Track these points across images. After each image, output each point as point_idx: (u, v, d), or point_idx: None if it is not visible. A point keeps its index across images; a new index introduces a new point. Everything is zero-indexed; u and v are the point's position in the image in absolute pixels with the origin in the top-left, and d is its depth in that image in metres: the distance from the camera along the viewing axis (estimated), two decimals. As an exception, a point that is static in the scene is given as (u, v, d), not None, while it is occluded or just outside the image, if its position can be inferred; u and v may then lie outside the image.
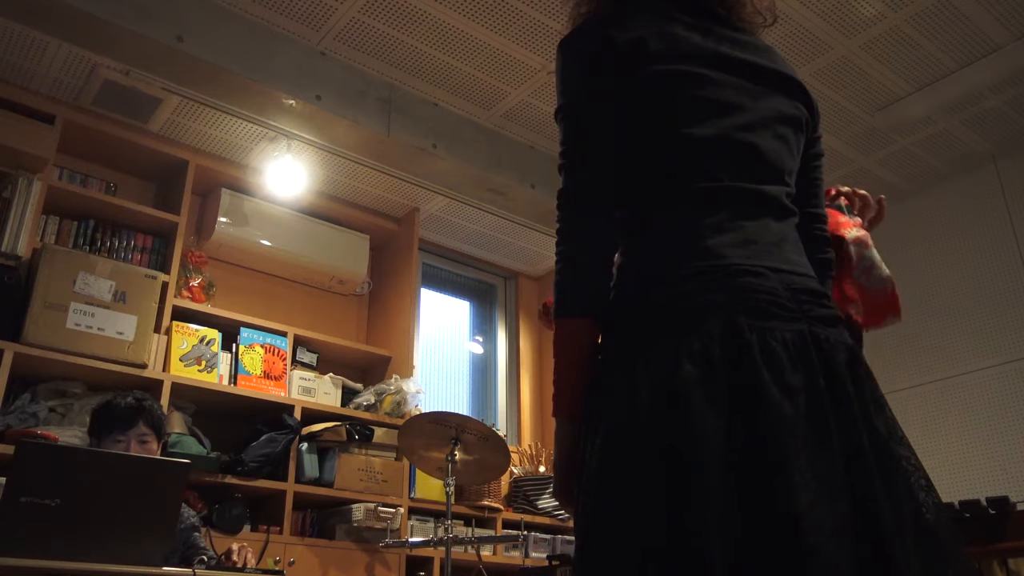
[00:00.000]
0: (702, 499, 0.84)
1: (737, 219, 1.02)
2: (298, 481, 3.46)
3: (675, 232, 1.03)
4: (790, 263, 1.03)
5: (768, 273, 0.99)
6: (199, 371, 3.45)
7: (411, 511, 3.76)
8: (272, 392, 3.63)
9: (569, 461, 1.04)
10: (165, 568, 1.73)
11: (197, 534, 2.38)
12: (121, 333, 3.18)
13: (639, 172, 1.08)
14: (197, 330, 3.53)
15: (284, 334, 3.82)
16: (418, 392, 3.97)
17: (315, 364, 3.96)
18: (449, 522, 2.92)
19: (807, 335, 0.96)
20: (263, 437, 3.39)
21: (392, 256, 4.44)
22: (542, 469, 4.29)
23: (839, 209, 1.37)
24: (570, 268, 1.06)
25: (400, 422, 3.46)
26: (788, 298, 0.98)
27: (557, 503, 1.10)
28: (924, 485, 0.96)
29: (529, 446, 4.44)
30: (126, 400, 2.34)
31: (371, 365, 4.24)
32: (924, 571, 0.89)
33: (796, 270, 1.03)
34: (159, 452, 2.39)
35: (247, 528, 3.25)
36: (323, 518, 3.61)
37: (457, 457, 2.99)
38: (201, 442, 3.28)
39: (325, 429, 3.59)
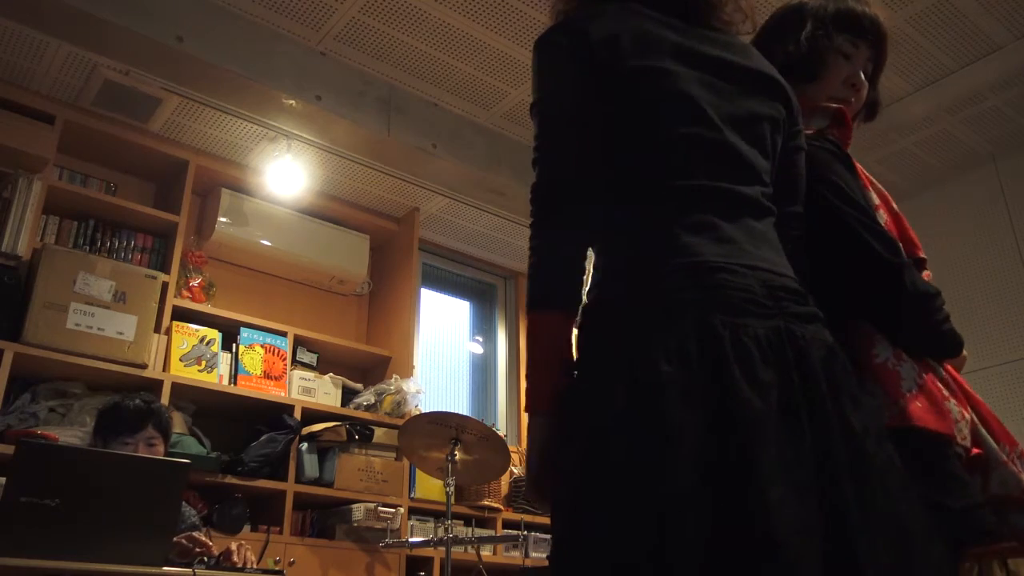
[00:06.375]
0: (677, 498, 0.84)
1: (714, 218, 1.02)
2: (298, 481, 3.46)
3: (651, 230, 1.03)
4: (767, 262, 1.02)
5: (745, 271, 0.98)
6: (199, 371, 3.45)
7: (411, 511, 3.76)
8: (272, 392, 3.63)
9: (542, 457, 1.04)
10: (165, 568, 1.73)
11: (197, 533, 2.37)
12: (121, 333, 3.18)
13: (615, 169, 1.08)
14: (197, 330, 3.53)
15: (284, 334, 3.82)
16: (418, 392, 3.96)
17: (315, 364, 3.96)
18: (449, 522, 2.92)
19: (783, 331, 0.95)
20: (263, 437, 3.39)
21: (392, 256, 4.44)
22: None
23: None
24: (544, 263, 1.06)
25: (400, 422, 3.46)
26: (764, 295, 0.97)
27: (529, 500, 1.11)
28: (901, 484, 0.95)
29: (529, 446, 4.44)
30: (134, 403, 2.33)
31: (371, 365, 4.24)
32: (896, 571, 0.88)
33: (774, 269, 1.02)
34: (165, 454, 2.39)
35: (247, 528, 3.25)
36: (323, 518, 3.61)
37: (457, 457, 2.99)
38: (201, 442, 3.28)
39: (325, 429, 3.59)
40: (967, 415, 1.20)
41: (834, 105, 1.35)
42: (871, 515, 0.89)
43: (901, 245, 1.32)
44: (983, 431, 1.22)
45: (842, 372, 0.99)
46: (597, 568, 0.86)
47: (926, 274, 1.34)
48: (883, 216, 1.31)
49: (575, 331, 1.06)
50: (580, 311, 1.05)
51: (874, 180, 1.41)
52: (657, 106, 1.07)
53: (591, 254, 1.09)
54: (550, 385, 1.03)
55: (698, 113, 1.06)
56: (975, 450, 1.20)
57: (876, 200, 1.34)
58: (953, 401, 1.20)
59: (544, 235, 1.06)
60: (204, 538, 2.08)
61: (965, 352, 1.31)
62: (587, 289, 1.07)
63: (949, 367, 1.28)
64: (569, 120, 1.09)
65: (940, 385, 1.21)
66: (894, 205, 1.39)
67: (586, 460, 0.92)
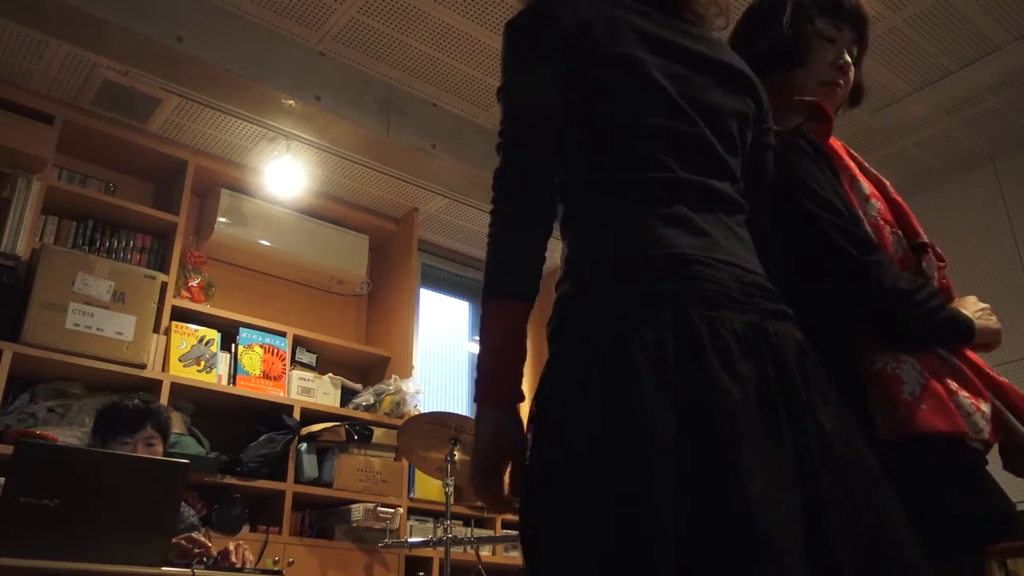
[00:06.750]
0: (656, 492, 0.83)
1: (688, 211, 1.01)
2: (297, 481, 3.46)
3: (626, 221, 1.01)
4: (739, 258, 1.01)
5: (719, 265, 0.98)
6: (198, 371, 3.45)
7: (410, 511, 3.76)
8: (271, 392, 3.63)
9: (493, 450, 1.00)
10: (164, 568, 1.72)
11: (197, 533, 2.37)
12: (120, 333, 3.18)
13: (588, 159, 1.06)
14: (196, 330, 3.53)
15: (283, 334, 3.81)
16: (417, 392, 3.96)
17: (314, 364, 3.96)
18: (448, 522, 2.92)
19: (757, 327, 0.95)
20: (262, 437, 3.39)
21: (391, 256, 4.44)
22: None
23: None
24: (504, 250, 1.04)
25: (399, 422, 3.46)
26: (738, 290, 0.97)
27: (478, 495, 1.05)
28: (873, 482, 0.94)
29: (528, 446, 4.44)
30: (133, 402, 2.33)
31: (370, 365, 4.24)
32: (871, 568, 0.88)
33: (745, 265, 1.01)
34: (163, 454, 2.39)
35: (246, 528, 3.25)
36: (322, 518, 3.61)
37: (456, 457, 2.99)
38: (200, 442, 3.28)
39: (324, 429, 3.59)
40: (983, 406, 1.15)
41: (809, 99, 1.33)
42: (845, 511, 0.89)
43: (899, 234, 1.29)
44: (1010, 416, 1.19)
45: (813, 369, 0.98)
46: (577, 561, 0.85)
47: (929, 257, 1.30)
48: (877, 205, 1.29)
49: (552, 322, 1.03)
50: (554, 303, 1.03)
51: (869, 167, 1.39)
52: (630, 95, 1.05)
53: (565, 248, 1.07)
54: (506, 375, 1.02)
55: (673, 105, 1.05)
56: (995, 437, 1.16)
57: (867, 189, 1.31)
58: (963, 394, 1.16)
59: (506, 222, 1.05)
60: (203, 539, 2.08)
61: (994, 326, 1.25)
62: (557, 281, 1.04)
63: (970, 353, 1.23)
64: (537, 107, 1.07)
65: (949, 380, 1.17)
66: (892, 192, 1.37)
67: (562, 453, 0.91)
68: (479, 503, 1.22)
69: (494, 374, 1.02)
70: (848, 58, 1.37)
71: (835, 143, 1.38)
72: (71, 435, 2.91)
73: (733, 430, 0.86)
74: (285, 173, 3.79)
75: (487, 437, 1.01)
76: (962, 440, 1.13)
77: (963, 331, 1.23)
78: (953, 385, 1.16)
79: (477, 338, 4.85)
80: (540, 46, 1.07)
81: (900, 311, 1.18)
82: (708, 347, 0.90)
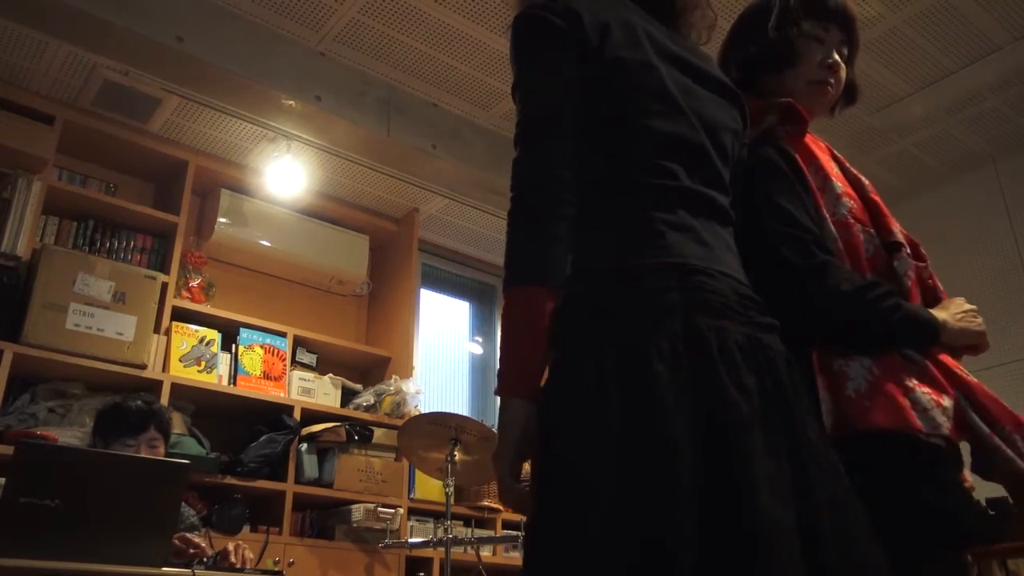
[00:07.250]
0: (677, 500, 0.84)
1: (693, 219, 1.02)
2: (298, 482, 3.46)
3: (634, 226, 1.01)
4: (733, 269, 1.03)
5: (718, 276, 0.99)
6: (199, 372, 3.45)
7: (411, 512, 3.76)
8: (272, 393, 3.63)
9: (520, 445, 0.95)
10: (165, 568, 1.73)
11: (197, 533, 2.37)
12: (121, 334, 3.18)
13: (603, 159, 1.05)
14: (197, 330, 3.53)
15: (284, 335, 3.82)
16: (418, 393, 3.96)
17: (315, 365, 3.96)
18: (449, 523, 2.92)
19: (753, 339, 0.97)
20: (263, 437, 3.39)
21: (392, 256, 4.44)
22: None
23: None
24: (533, 235, 0.99)
25: (400, 423, 3.46)
26: (736, 302, 0.98)
27: (508, 501, 0.99)
28: (847, 492, 0.96)
29: (529, 447, 4.43)
30: (136, 404, 2.33)
31: (371, 366, 4.24)
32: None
33: (739, 277, 1.03)
34: (164, 455, 2.39)
35: (247, 528, 3.25)
36: (323, 518, 3.61)
37: (457, 458, 2.99)
38: (201, 443, 3.28)
39: (325, 430, 3.59)
40: (944, 401, 1.13)
41: (782, 100, 1.33)
42: (834, 522, 0.90)
43: (871, 232, 1.28)
44: (973, 416, 1.16)
45: (800, 382, 1.00)
46: (594, 566, 0.84)
47: (901, 255, 1.28)
48: (849, 203, 1.28)
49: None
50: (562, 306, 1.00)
51: (849, 167, 1.39)
52: (645, 101, 1.06)
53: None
54: (533, 365, 0.96)
55: (683, 115, 1.07)
56: (958, 435, 1.14)
57: (840, 188, 1.30)
58: (923, 389, 1.13)
59: (531, 209, 1.01)
60: (197, 539, 2.08)
61: (976, 328, 1.24)
62: (569, 284, 1.02)
63: (943, 356, 1.22)
64: (557, 100, 1.05)
65: (908, 377, 1.14)
66: (870, 192, 1.35)
67: (583, 459, 0.89)
68: (506, 506, 1.15)
69: (521, 365, 0.97)
70: (837, 57, 1.38)
71: (815, 143, 1.38)
72: (72, 435, 2.91)
73: (743, 445, 0.87)
74: (285, 173, 3.79)
75: (517, 434, 0.95)
76: (915, 437, 1.10)
77: (925, 330, 1.20)
78: (912, 382, 1.14)
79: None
80: (558, 39, 1.06)
81: (854, 313, 1.16)
82: (717, 358, 0.91)
